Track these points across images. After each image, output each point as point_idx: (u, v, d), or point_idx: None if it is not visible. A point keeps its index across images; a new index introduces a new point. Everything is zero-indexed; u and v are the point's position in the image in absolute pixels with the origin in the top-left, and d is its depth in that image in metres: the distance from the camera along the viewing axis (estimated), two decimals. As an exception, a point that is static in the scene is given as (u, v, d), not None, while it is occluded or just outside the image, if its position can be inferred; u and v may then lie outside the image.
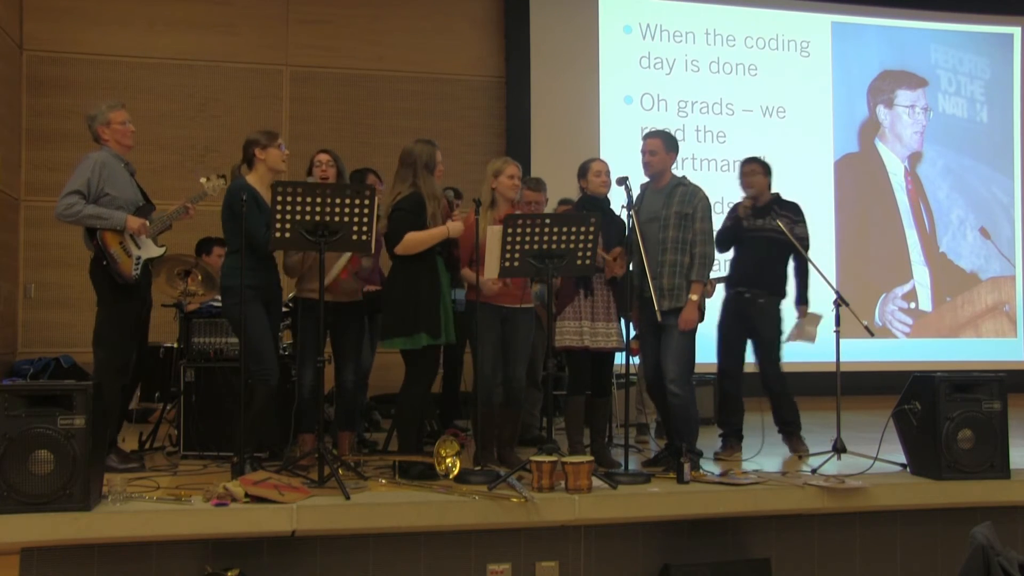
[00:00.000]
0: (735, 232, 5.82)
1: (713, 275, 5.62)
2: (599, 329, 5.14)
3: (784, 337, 5.80)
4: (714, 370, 6.61)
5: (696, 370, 5.26)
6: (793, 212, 5.83)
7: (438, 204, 4.84)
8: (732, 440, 5.74)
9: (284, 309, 5.43)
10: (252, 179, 4.85)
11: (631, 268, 5.14)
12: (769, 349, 5.76)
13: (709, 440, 5.81)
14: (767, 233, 5.71)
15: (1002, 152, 10.19)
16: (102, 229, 4.71)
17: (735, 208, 5.89)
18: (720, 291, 5.92)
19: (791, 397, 5.78)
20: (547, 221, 4.57)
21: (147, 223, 4.83)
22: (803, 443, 5.72)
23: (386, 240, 4.83)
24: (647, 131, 5.44)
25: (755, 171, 5.89)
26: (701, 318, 5.16)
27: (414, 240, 4.73)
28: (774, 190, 5.93)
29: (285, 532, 3.98)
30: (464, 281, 5.15)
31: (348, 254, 4.96)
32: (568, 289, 5.14)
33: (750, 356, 5.85)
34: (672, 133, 5.42)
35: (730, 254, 5.96)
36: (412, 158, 4.85)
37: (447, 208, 5.04)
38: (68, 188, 4.69)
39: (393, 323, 4.78)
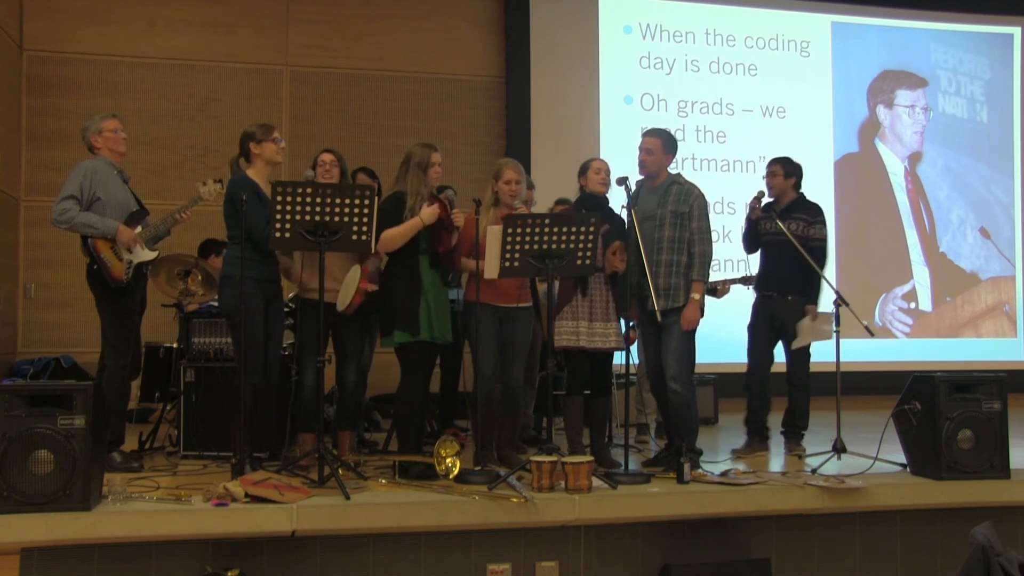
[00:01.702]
0: (752, 232, 5.89)
1: (731, 276, 5.60)
2: (597, 329, 5.13)
3: (796, 342, 5.70)
4: (714, 370, 6.64)
5: (696, 370, 5.26)
6: (810, 213, 5.84)
7: (418, 199, 4.86)
8: (755, 440, 5.77)
9: (284, 309, 5.43)
10: (251, 173, 4.88)
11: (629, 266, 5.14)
12: (798, 348, 5.76)
13: (709, 440, 5.82)
14: (782, 236, 5.71)
15: (1002, 152, 10.18)
16: (92, 237, 4.79)
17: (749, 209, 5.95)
18: (738, 291, 5.96)
19: (808, 399, 5.79)
20: (547, 221, 4.57)
21: (137, 236, 4.88)
22: (800, 446, 5.74)
23: None
24: (647, 129, 5.43)
25: (775, 172, 5.94)
26: (701, 316, 5.16)
27: (389, 236, 4.79)
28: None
29: (285, 532, 3.98)
30: (463, 274, 5.17)
31: (358, 276, 4.94)
32: (566, 289, 5.13)
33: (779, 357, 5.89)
34: (673, 134, 5.41)
35: (755, 256, 6.02)
36: (408, 158, 4.93)
37: (443, 208, 5.03)
38: (62, 194, 4.82)
39: (381, 323, 4.93)
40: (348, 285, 4.97)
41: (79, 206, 4.80)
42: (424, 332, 4.78)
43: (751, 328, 5.89)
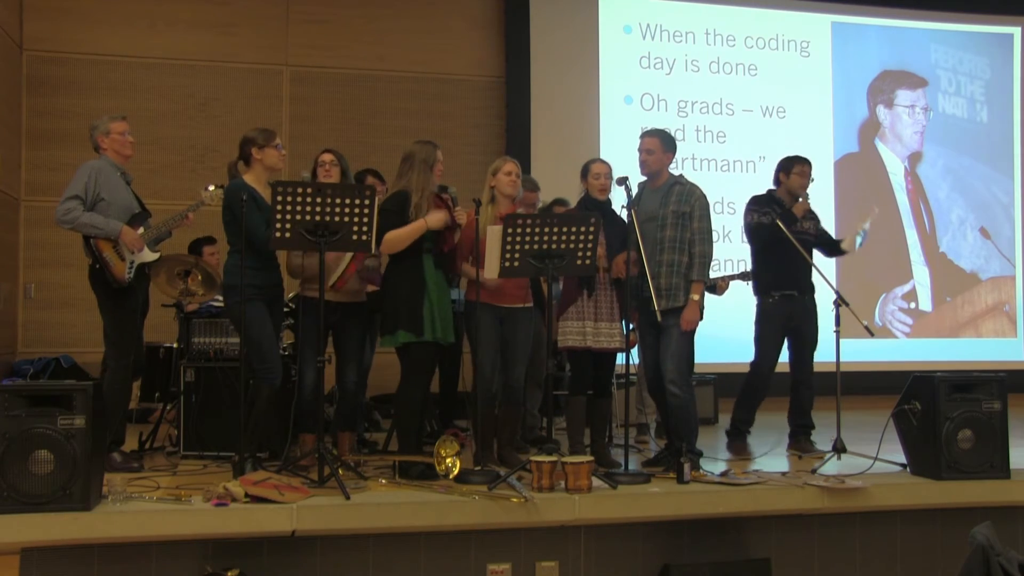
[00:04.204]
0: (774, 232, 5.65)
1: (730, 272, 5.57)
2: (602, 329, 5.13)
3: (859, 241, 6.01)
4: (713, 370, 6.63)
5: (695, 370, 5.26)
6: (813, 212, 6.03)
7: (424, 196, 4.83)
8: (739, 440, 5.76)
9: (285, 309, 5.43)
10: (249, 178, 4.87)
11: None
12: (814, 347, 5.83)
13: (709, 440, 5.82)
14: (808, 236, 5.87)
15: (1002, 152, 10.18)
16: (96, 238, 4.79)
17: (781, 210, 5.78)
18: (738, 291, 5.96)
19: (814, 396, 5.86)
20: (547, 221, 4.57)
21: (141, 238, 4.89)
22: (813, 445, 5.72)
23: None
24: (645, 129, 5.43)
25: (806, 173, 5.91)
26: (700, 317, 5.16)
27: (393, 238, 4.75)
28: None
29: (285, 532, 3.99)
30: (463, 278, 5.16)
31: (349, 255, 4.96)
32: (571, 289, 5.14)
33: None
34: (671, 133, 5.40)
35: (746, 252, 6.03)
36: (411, 156, 4.89)
37: (441, 204, 5.02)
38: (66, 194, 4.81)
39: (382, 322, 4.91)
40: (343, 259, 5.00)
41: (83, 206, 4.79)
42: (428, 332, 4.77)
43: (765, 332, 5.80)
